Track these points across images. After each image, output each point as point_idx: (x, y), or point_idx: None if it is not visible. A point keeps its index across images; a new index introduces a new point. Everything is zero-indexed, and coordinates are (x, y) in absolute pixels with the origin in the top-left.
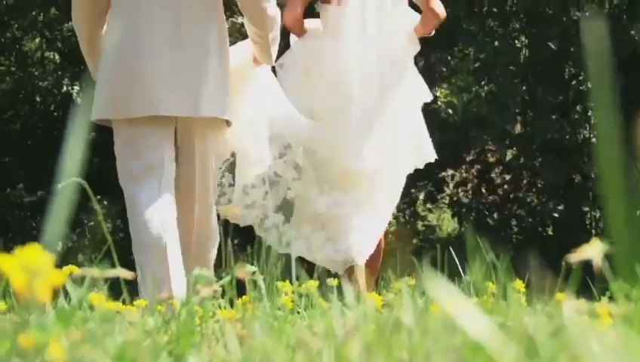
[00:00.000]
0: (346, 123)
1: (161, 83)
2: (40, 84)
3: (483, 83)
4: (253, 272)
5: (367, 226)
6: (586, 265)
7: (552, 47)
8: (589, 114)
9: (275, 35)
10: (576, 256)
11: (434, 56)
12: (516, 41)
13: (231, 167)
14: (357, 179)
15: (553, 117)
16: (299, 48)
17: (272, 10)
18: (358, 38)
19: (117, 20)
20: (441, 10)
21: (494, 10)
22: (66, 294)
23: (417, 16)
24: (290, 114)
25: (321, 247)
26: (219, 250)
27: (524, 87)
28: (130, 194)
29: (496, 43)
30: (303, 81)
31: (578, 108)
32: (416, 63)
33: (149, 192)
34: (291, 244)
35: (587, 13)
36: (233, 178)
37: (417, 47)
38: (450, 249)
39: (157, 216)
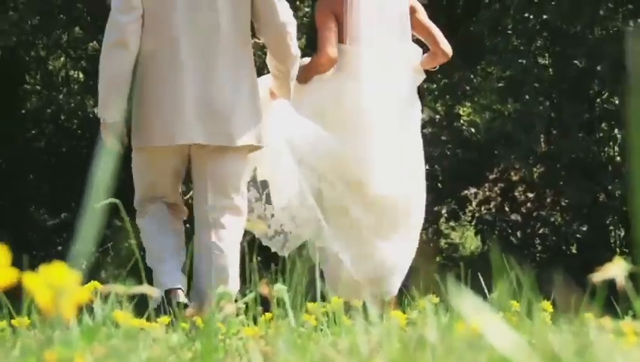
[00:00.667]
0: (367, 149)
1: (197, 116)
2: (64, 103)
3: (507, 101)
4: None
5: (395, 249)
6: (610, 283)
7: (578, 64)
8: (615, 132)
9: (295, 72)
10: (599, 275)
11: (457, 75)
12: (540, 59)
13: (254, 180)
14: (380, 203)
15: (578, 135)
16: (316, 87)
17: (295, 48)
18: (374, 75)
19: (156, 63)
20: (449, 50)
21: (519, 27)
22: (91, 311)
23: (420, 50)
24: (313, 140)
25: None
26: (243, 266)
27: (548, 105)
28: (145, 211)
29: (521, 61)
30: (320, 118)
31: (603, 126)
32: (438, 82)
33: (162, 212)
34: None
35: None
36: (258, 191)
37: (423, 76)
38: (474, 267)
39: (169, 234)
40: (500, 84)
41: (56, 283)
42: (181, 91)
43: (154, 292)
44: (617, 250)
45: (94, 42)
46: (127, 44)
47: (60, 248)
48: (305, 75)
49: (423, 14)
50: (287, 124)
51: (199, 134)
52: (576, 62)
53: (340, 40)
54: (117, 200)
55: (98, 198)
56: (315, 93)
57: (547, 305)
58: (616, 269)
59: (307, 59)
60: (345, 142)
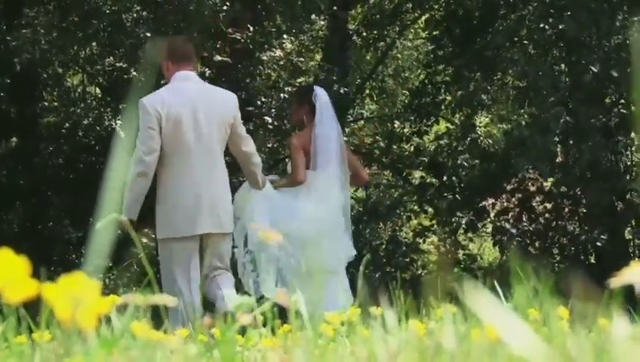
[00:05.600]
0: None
1: (201, 215)
2: (82, 119)
3: (524, 110)
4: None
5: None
6: (627, 289)
7: (594, 70)
8: (631, 138)
9: (259, 172)
10: (617, 281)
11: (473, 85)
12: (556, 67)
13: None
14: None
15: (595, 143)
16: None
17: (257, 160)
18: (324, 188)
19: (173, 175)
20: (366, 177)
21: (535, 38)
22: (108, 322)
23: (349, 173)
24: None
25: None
26: None
27: (564, 113)
28: (173, 275)
29: (537, 70)
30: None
31: (621, 133)
32: (454, 93)
33: (186, 271)
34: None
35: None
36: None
37: (349, 193)
38: (492, 277)
39: (190, 285)
40: (516, 92)
41: (76, 294)
42: (197, 196)
43: (171, 302)
44: (637, 258)
45: (111, 58)
46: (148, 175)
47: (78, 263)
48: (281, 184)
49: (354, 159)
50: (271, 212)
51: (202, 227)
52: (592, 68)
53: (308, 166)
54: (121, 217)
55: (107, 217)
56: (289, 198)
57: (564, 312)
58: (635, 274)
59: (275, 177)
60: (306, 229)
